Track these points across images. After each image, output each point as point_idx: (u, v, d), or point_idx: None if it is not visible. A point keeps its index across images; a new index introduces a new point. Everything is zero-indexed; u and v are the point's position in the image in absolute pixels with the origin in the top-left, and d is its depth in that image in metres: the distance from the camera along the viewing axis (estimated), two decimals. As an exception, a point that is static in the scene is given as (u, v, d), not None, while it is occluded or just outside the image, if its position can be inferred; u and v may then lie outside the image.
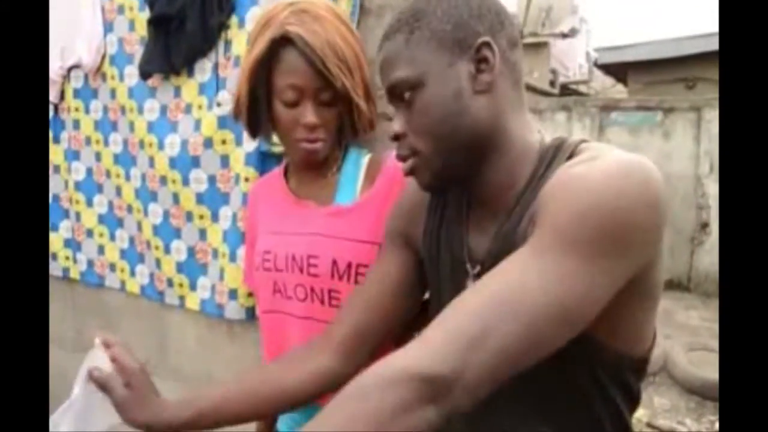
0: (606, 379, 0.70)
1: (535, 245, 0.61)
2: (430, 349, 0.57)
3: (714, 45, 5.10)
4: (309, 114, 1.03)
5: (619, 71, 9.85)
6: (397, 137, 0.77)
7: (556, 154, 0.71)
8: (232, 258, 1.54)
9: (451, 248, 0.84)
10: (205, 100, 1.55)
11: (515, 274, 0.60)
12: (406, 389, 0.55)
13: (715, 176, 6.07)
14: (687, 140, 6.13)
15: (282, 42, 1.01)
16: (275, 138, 1.39)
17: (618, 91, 11.78)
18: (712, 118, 5.83)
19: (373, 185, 1.10)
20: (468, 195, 0.83)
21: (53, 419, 0.82)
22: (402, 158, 0.78)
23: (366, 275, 1.00)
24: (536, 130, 0.77)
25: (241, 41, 1.47)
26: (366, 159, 1.15)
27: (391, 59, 0.74)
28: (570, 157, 0.69)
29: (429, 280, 0.90)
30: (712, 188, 6.14)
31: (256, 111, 1.09)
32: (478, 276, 0.76)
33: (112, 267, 1.84)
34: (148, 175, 1.66)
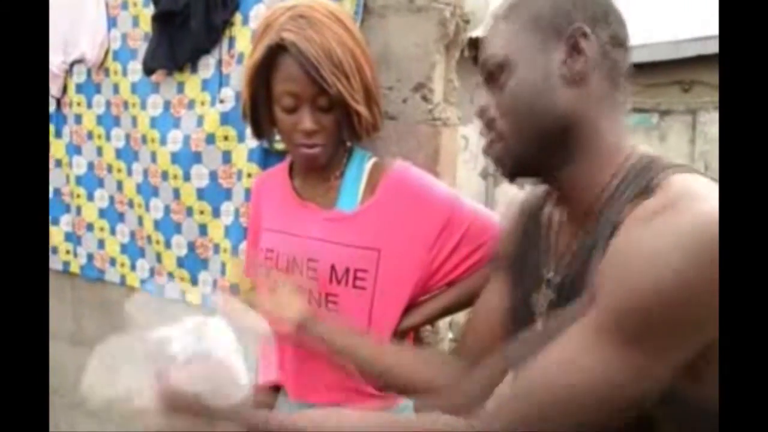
0: None
1: (592, 326, 0.60)
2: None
3: (710, 48, 5.12)
4: (306, 120, 1.04)
5: (615, 73, 9.87)
6: (481, 113, 0.75)
7: (639, 176, 0.68)
8: (234, 253, 1.55)
9: (535, 257, 0.82)
10: (208, 97, 1.57)
11: (566, 356, 0.61)
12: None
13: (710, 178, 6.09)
14: (682, 142, 6.15)
15: (278, 49, 1.02)
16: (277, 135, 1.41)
17: (614, 92, 11.80)
18: (707, 120, 5.85)
19: (375, 192, 1.11)
20: (556, 200, 0.81)
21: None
22: (488, 143, 0.76)
23: (475, 305, 0.98)
24: (629, 137, 0.74)
25: (245, 38, 1.48)
26: (369, 164, 1.16)
27: (489, 37, 0.74)
28: (648, 188, 0.65)
29: (511, 297, 0.86)
30: (707, 190, 6.17)
31: (258, 116, 1.11)
32: (549, 284, 0.76)
33: (113, 261, 1.85)
34: (150, 171, 1.67)
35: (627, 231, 0.61)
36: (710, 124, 5.77)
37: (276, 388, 1.26)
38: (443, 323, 1.43)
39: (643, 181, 0.66)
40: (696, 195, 0.59)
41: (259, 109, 1.10)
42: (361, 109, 1.07)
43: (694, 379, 0.61)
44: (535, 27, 0.70)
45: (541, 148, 0.71)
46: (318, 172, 1.15)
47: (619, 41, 0.71)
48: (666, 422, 0.64)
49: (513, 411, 0.65)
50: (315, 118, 1.05)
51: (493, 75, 0.73)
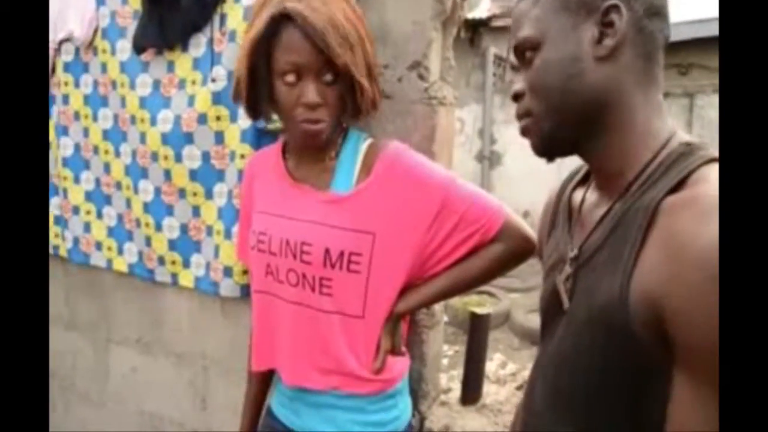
0: None
1: (697, 385, 0.58)
2: None
3: (708, 31, 5.08)
4: (310, 92, 1.01)
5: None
6: (516, 97, 0.75)
7: (674, 163, 0.66)
8: (228, 235, 1.53)
9: (562, 239, 0.81)
10: (199, 76, 1.53)
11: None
12: None
13: (706, 162, 6.08)
14: (679, 125, 6.08)
15: (282, 19, 0.99)
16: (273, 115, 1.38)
17: (611, 76, 11.78)
18: (704, 104, 5.83)
19: (370, 174, 1.09)
20: (588, 181, 0.82)
21: None
22: (518, 117, 0.76)
23: None
24: (667, 116, 0.72)
25: (237, 15, 1.44)
26: (365, 145, 1.13)
27: (518, 19, 0.73)
28: (684, 180, 0.63)
29: (544, 285, 0.86)
30: (703, 174, 6.17)
31: (256, 91, 1.07)
32: (570, 261, 0.75)
33: (99, 245, 1.81)
34: (139, 152, 1.64)
35: (682, 259, 0.57)
36: (708, 107, 5.74)
37: (271, 373, 1.25)
38: (439, 306, 1.41)
39: (678, 171, 0.64)
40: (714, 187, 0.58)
41: (258, 86, 1.06)
42: (365, 82, 1.05)
43: None
44: (564, 6, 0.69)
45: (569, 126, 0.71)
46: (313, 152, 1.13)
47: (655, 10, 0.69)
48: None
49: None
50: (319, 91, 1.02)
51: (525, 56, 0.73)
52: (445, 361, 4.03)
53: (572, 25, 0.68)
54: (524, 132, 0.75)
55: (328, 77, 1.02)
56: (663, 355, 0.60)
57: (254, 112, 1.12)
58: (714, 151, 0.65)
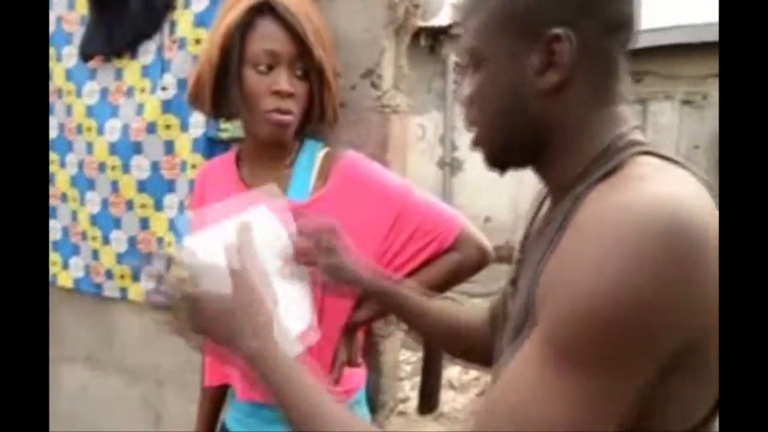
0: None
1: (538, 357, 0.53)
2: None
3: (662, 39, 5.24)
4: (283, 81, 1.02)
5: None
6: (461, 96, 0.69)
7: (608, 160, 0.60)
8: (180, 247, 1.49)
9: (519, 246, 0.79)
10: (148, 84, 1.49)
11: (521, 391, 0.54)
12: None
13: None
14: (634, 132, 6.31)
15: (260, 9, 1.00)
16: (223, 124, 1.35)
17: (568, 83, 12.04)
18: (657, 110, 6.00)
19: (326, 183, 1.08)
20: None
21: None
22: (467, 125, 0.70)
23: None
24: (626, 121, 0.64)
25: (187, 22, 1.41)
26: (321, 153, 1.12)
27: (460, 20, 0.66)
28: (614, 168, 0.58)
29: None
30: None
31: (224, 82, 1.04)
32: (511, 280, 0.74)
33: None
34: (86, 162, 1.58)
35: (576, 229, 0.54)
36: (660, 113, 5.92)
37: (225, 388, 1.22)
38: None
39: (608, 166, 0.59)
40: (645, 178, 0.54)
41: (228, 75, 1.03)
42: (333, 82, 1.07)
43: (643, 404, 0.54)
44: (502, 28, 0.61)
45: (511, 148, 0.67)
46: (269, 157, 1.11)
47: (616, 24, 0.60)
48: None
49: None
50: (291, 82, 1.02)
51: (468, 63, 0.67)
52: (408, 368, 4.03)
53: (511, 51, 0.61)
54: (474, 143, 0.71)
55: (300, 70, 1.03)
56: None
57: (216, 107, 1.09)
58: (652, 146, 0.61)
